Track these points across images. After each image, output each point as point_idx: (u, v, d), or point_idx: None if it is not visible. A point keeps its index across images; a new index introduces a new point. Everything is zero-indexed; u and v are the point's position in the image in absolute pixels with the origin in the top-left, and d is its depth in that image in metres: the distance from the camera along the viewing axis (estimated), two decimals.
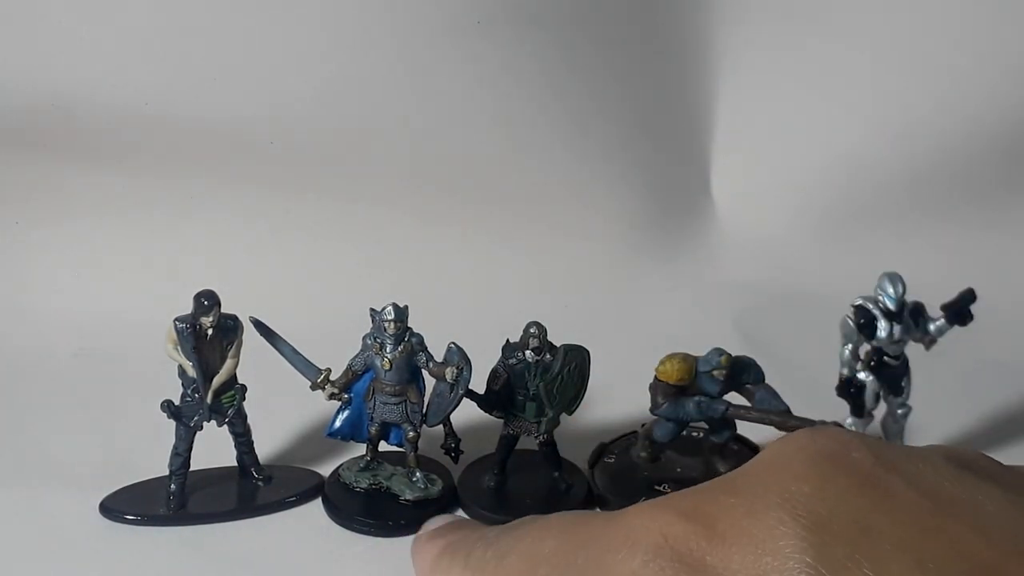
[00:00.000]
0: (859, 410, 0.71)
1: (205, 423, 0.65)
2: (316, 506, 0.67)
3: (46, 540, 0.62)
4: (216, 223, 0.99)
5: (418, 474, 0.67)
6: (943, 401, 0.80)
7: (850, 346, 0.70)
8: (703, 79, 1.12)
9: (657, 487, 0.68)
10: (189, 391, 0.65)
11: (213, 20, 0.90)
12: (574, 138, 1.05)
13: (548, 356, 0.66)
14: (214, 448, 0.67)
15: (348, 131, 0.97)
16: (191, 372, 0.64)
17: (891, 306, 0.69)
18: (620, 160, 1.08)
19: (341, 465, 0.69)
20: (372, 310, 0.65)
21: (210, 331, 0.63)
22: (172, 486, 0.65)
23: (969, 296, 0.70)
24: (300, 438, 0.75)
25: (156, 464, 0.66)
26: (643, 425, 0.71)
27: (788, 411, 0.66)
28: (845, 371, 0.71)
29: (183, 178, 0.98)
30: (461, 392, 0.64)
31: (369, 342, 0.65)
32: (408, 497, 0.66)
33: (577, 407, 0.68)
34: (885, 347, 0.69)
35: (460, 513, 0.66)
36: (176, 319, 0.63)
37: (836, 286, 0.81)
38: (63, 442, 0.74)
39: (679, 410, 0.67)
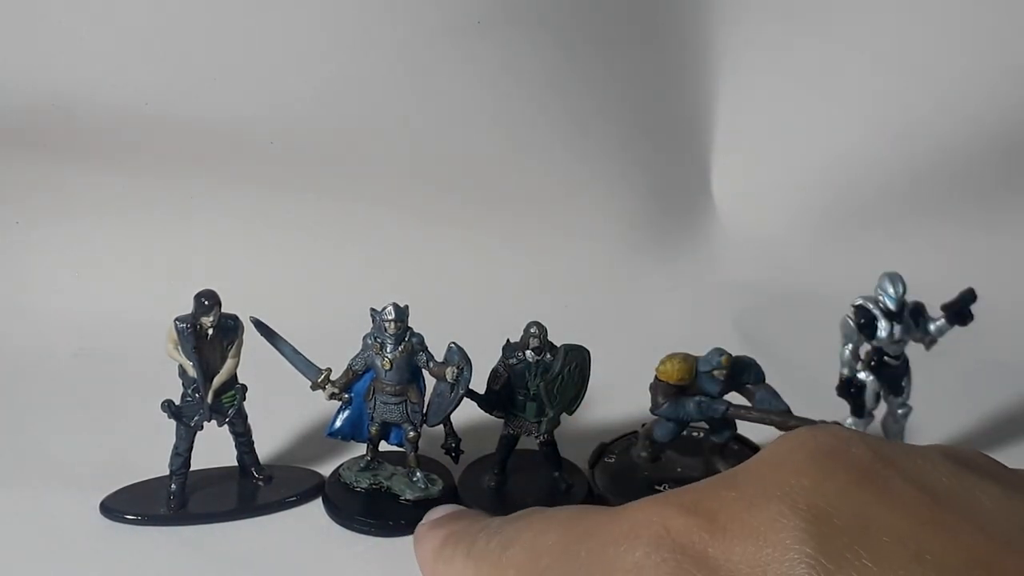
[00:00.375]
0: (859, 410, 0.71)
1: (205, 423, 0.65)
2: (316, 506, 0.67)
3: (46, 540, 0.62)
4: (216, 223, 0.99)
5: (418, 474, 0.67)
6: (943, 401, 0.80)
7: (850, 346, 0.70)
8: (703, 79, 1.12)
9: (657, 487, 0.68)
10: (189, 391, 0.65)
11: (213, 20, 0.90)
12: (574, 138, 1.05)
13: (548, 356, 0.66)
14: (214, 448, 0.67)
15: (348, 131, 0.97)
16: (191, 372, 0.64)
17: (891, 306, 0.69)
18: (620, 160, 1.08)
19: (341, 465, 0.69)
20: (372, 310, 0.65)
21: (210, 331, 0.63)
22: (172, 486, 0.65)
23: (969, 296, 0.70)
24: (300, 438, 0.75)
25: (156, 464, 0.67)
26: (643, 425, 0.71)
27: (788, 411, 0.66)
28: (845, 371, 0.71)
29: (183, 178, 0.98)
30: (461, 392, 0.64)
31: (369, 342, 0.65)
32: (408, 497, 0.66)
33: (577, 407, 0.68)
34: (885, 347, 0.69)
35: None
36: (176, 319, 0.63)
37: (836, 286, 0.82)
38: (63, 442, 0.74)
39: (679, 410, 0.67)
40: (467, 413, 0.67)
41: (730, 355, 0.67)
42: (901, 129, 1.10)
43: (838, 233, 1.12)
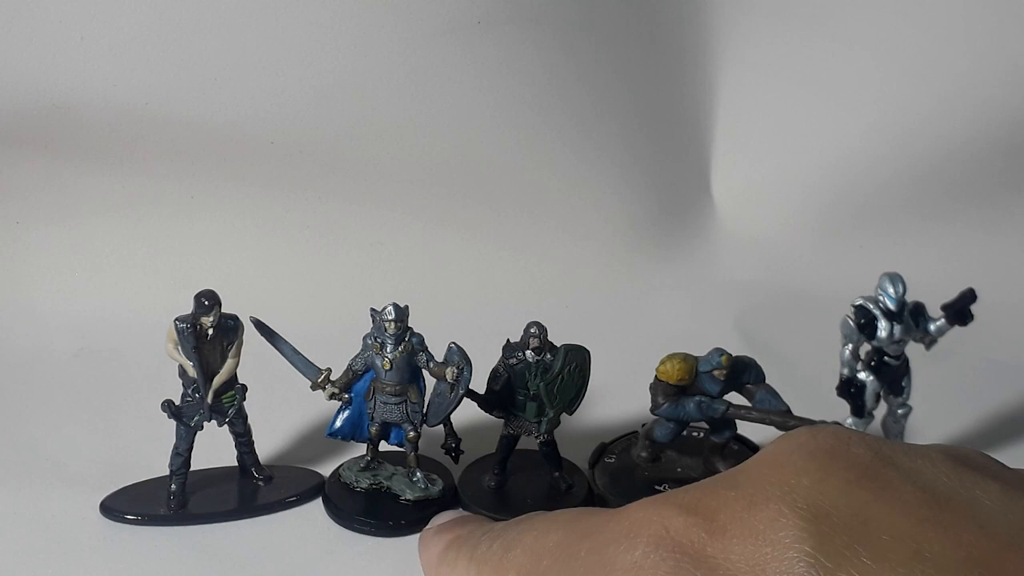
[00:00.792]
0: (859, 410, 0.71)
1: (205, 423, 0.65)
2: (316, 506, 0.67)
3: (46, 540, 0.62)
4: (216, 223, 0.99)
5: (418, 474, 0.67)
6: (943, 401, 0.80)
7: (850, 346, 0.70)
8: (703, 78, 1.12)
9: (657, 487, 0.68)
10: (189, 391, 0.65)
11: (213, 20, 0.90)
12: (574, 138, 1.05)
13: (548, 356, 0.66)
14: (214, 448, 0.67)
15: (348, 131, 0.97)
16: (191, 372, 0.64)
17: (891, 306, 0.69)
18: (620, 159, 1.08)
19: (341, 465, 0.69)
20: (372, 310, 0.65)
21: (211, 331, 0.63)
22: (172, 486, 0.65)
23: (969, 296, 0.70)
24: (300, 438, 0.75)
25: (156, 464, 0.67)
26: (643, 425, 0.71)
27: (788, 411, 0.66)
28: (845, 371, 0.71)
29: (183, 178, 0.98)
30: (461, 392, 0.64)
31: (369, 342, 0.65)
32: (408, 497, 0.66)
33: (577, 407, 0.68)
34: (885, 347, 0.69)
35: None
36: (176, 319, 0.63)
37: (836, 286, 0.82)
38: (63, 442, 0.74)
39: (679, 410, 0.67)
40: (467, 413, 0.67)
41: (730, 355, 0.67)
42: (901, 129, 1.10)
43: (838, 233, 1.12)
